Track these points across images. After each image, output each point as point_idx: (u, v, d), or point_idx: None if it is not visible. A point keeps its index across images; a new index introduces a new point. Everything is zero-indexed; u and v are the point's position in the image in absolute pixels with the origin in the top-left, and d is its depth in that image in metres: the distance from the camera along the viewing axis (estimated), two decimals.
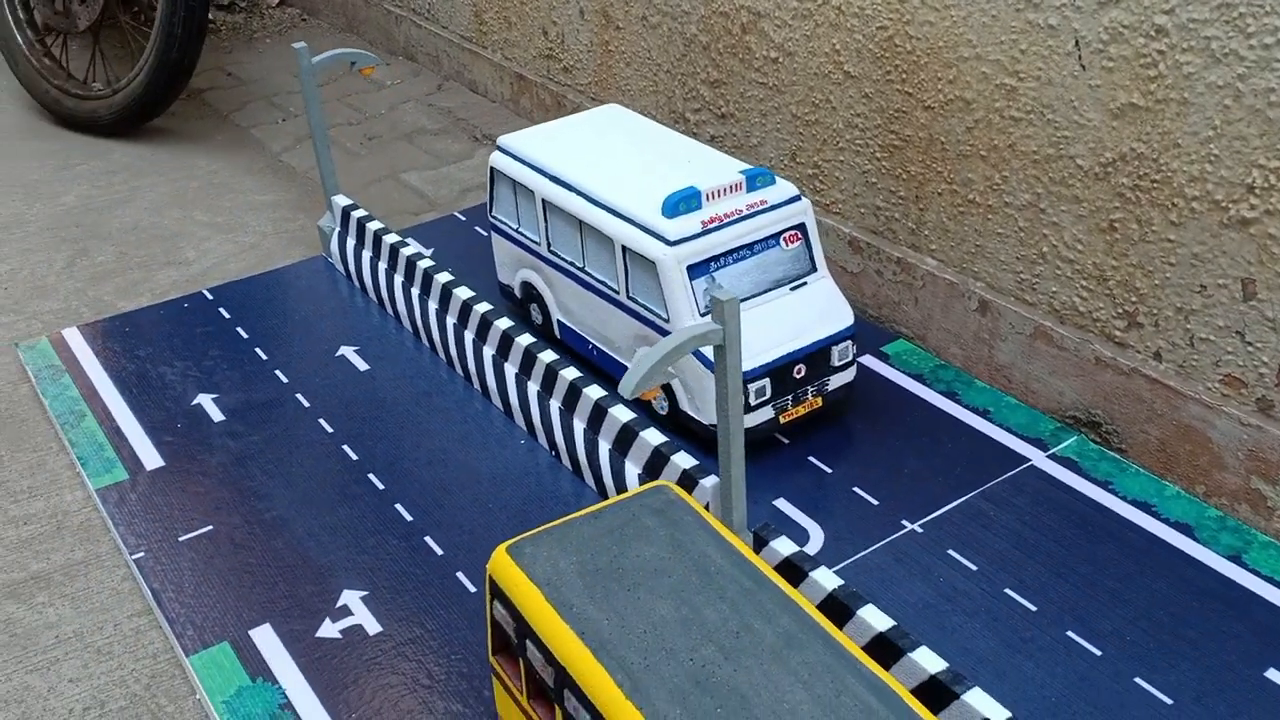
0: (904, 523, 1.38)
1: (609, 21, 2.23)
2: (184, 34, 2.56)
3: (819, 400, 1.51)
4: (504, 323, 1.59)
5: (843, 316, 1.51)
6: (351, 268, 1.95)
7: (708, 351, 1.42)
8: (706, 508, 1.28)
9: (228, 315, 1.89)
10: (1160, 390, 1.42)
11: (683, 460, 1.31)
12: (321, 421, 1.61)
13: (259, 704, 1.16)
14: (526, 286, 1.75)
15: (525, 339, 1.55)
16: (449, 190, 2.40)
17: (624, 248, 1.49)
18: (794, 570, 1.15)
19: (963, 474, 1.45)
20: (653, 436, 1.35)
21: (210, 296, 1.96)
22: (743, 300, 1.47)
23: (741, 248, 1.48)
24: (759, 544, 1.20)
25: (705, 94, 2.03)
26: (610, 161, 1.61)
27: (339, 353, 1.77)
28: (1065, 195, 1.45)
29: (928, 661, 1.02)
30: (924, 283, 1.70)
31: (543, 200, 1.62)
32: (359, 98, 2.92)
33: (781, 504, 1.42)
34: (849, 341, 1.51)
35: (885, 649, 1.05)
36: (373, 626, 1.25)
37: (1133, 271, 1.41)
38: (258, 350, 1.78)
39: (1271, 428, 1.31)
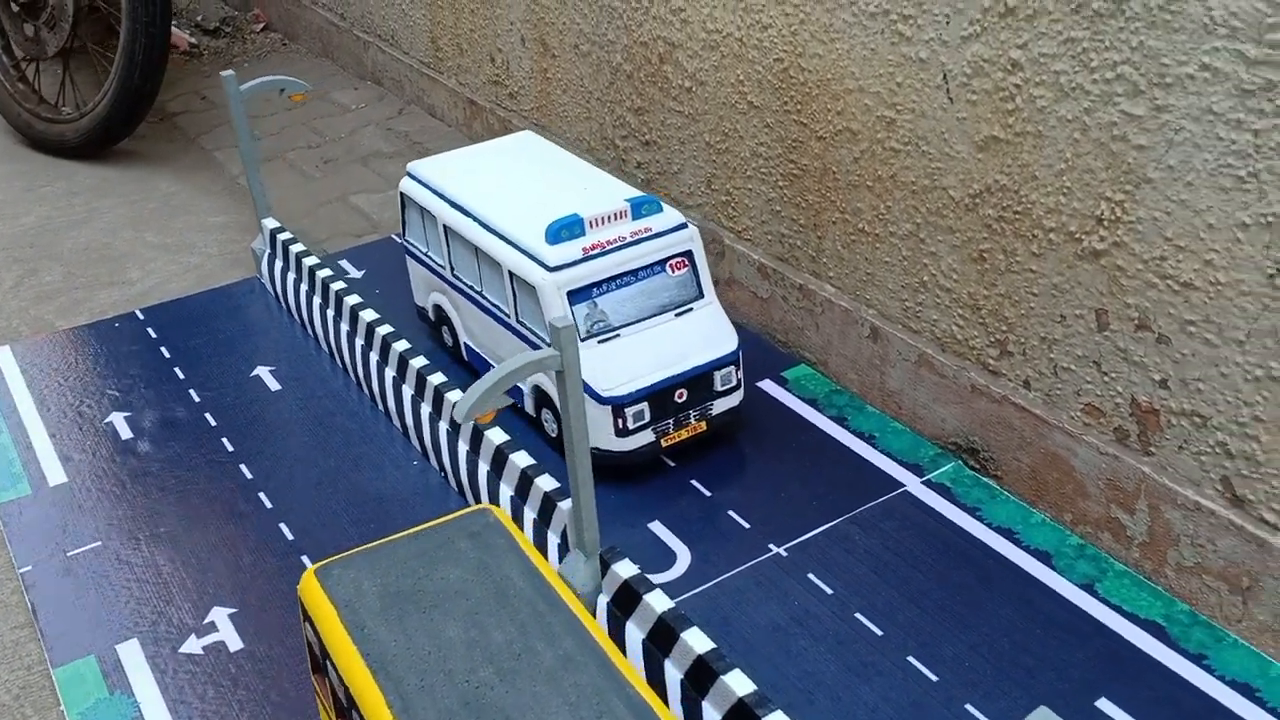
0: (770, 546, 1.40)
1: (546, 49, 2.28)
2: (145, 60, 2.63)
3: (703, 424, 1.54)
4: (401, 345, 1.62)
5: (726, 342, 1.54)
6: (278, 289, 2.00)
7: (587, 375, 1.46)
8: (555, 531, 1.31)
9: (154, 335, 1.94)
10: (1029, 418, 1.43)
11: (546, 483, 1.34)
12: (224, 440, 1.65)
13: (112, 717, 1.20)
14: (437, 309, 1.79)
15: (419, 361, 1.58)
16: (393, 213, 2.45)
17: (510, 273, 1.52)
18: (630, 593, 1.18)
19: (837, 498, 1.48)
20: (521, 459, 1.38)
21: (141, 316, 2.01)
22: (625, 326, 1.51)
23: (625, 274, 1.51)
24: (604, 567, 1.22)
25: (631, 121, 2.06)
26: (508, 188, 1.65)
27: (254, 373, 1.81)
28: (941, 225, 1.48)
29: (738, 684, 1.04)
30: (823, 309, 1.72)
31: (444, 225, 1.66)
32: (323, 121, 2.98)
33: (655, 527, 1.45)
34: (732, 366, 1.54)
35: (704, 672, 1.08)
36: (235, 643, 1.28)
37: (1001, 301, 1.43)
38: (176, 370, 1.83)
39: (1127, 457, 1.32)
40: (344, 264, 2.16)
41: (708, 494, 1.50)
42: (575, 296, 1.47)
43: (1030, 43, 1.28)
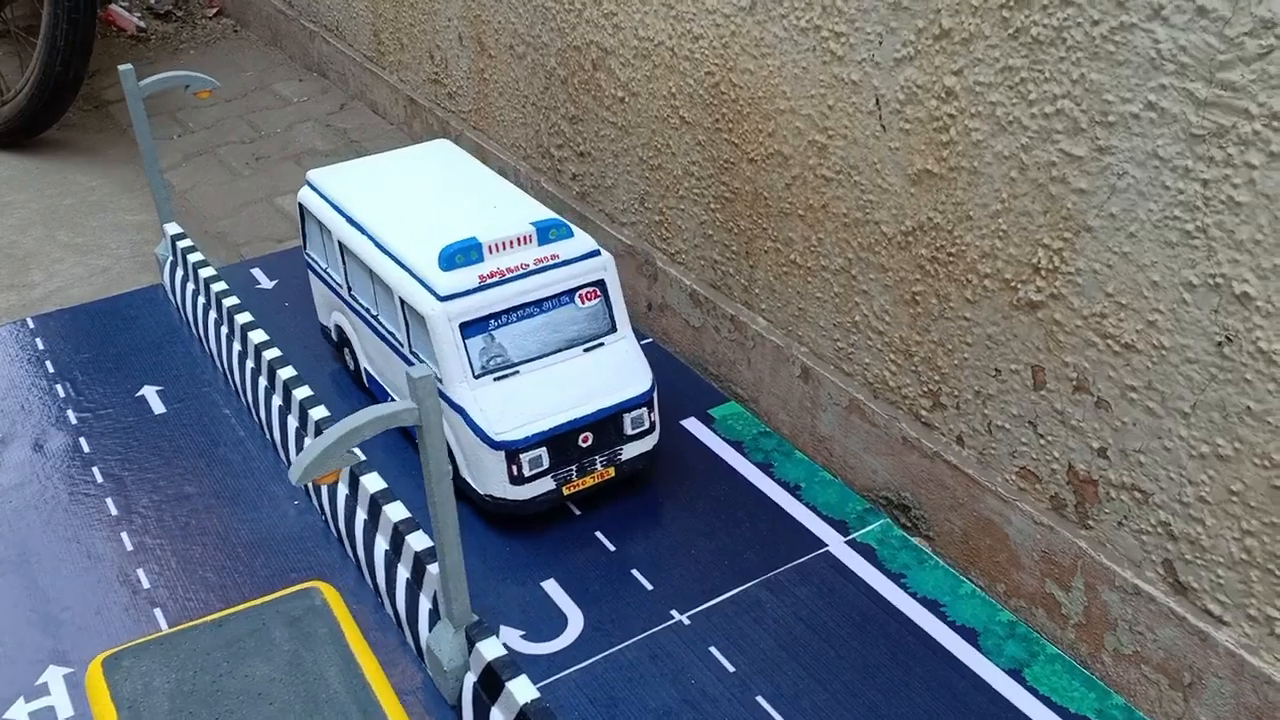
0: (673, 613, 1.27)
1: (483, 49, 2.14)
2: (67, 47, 2.49)
3: (611, 471, 1.41)
4: (287, 372, 1.49)
5: (638, 381, 1.41)
6: (178, 300, 1.87)
7: (478, 417, 1.33)
8: (428, 595, 1.18)
9: (42, 346, 1.81)
10: (961, 478, 1.31)
11: (418, 541, 1.21)
12: (95, 470, 1.52)
13: None
14: (339, 330, 1.65)
15: (303, 392, 1.45)
16: None
17: (401, 300, 1.39)
18: (493, 679, 1.05)
19: (752, 558, 1.35)
20: (395, 511, 1.25)
21: (32, 325, 1.87)
22: (526, 362, 1.38)
23: (527, 305, 1.38)
24: (469, 644, 1.09)
25: (566, 130, 1.93)
26: (409, 204, 1.51)
27: (140, 393, 1.68)
28: (873, 263, 1.35)
29: None
30: (755, 343, 1.59)
31: (339, 242, 1.53)
32: (262, 115, 2.84)
33: (550, 586, 1.32)
34: (644, 408, 1.41)
35: None
36: (65, 710, 1.15)
37: (934, 349, 1.30)
38: (57, 388, 1.70)
39: (1063, 529, 1.20)
40: (256, 272, 2.03)
41: (612, 548, 1.38)
42: (469, 329, 1.34)
43: (966, 69, 1.15)
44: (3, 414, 1.63)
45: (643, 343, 1.76)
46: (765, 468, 1.50)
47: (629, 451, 1.42)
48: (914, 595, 1.28)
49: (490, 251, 1.37)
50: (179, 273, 1.87)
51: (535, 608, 1.29)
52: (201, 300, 1.77)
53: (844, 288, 1.41)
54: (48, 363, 1.76)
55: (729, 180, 1.55)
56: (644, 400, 1.40)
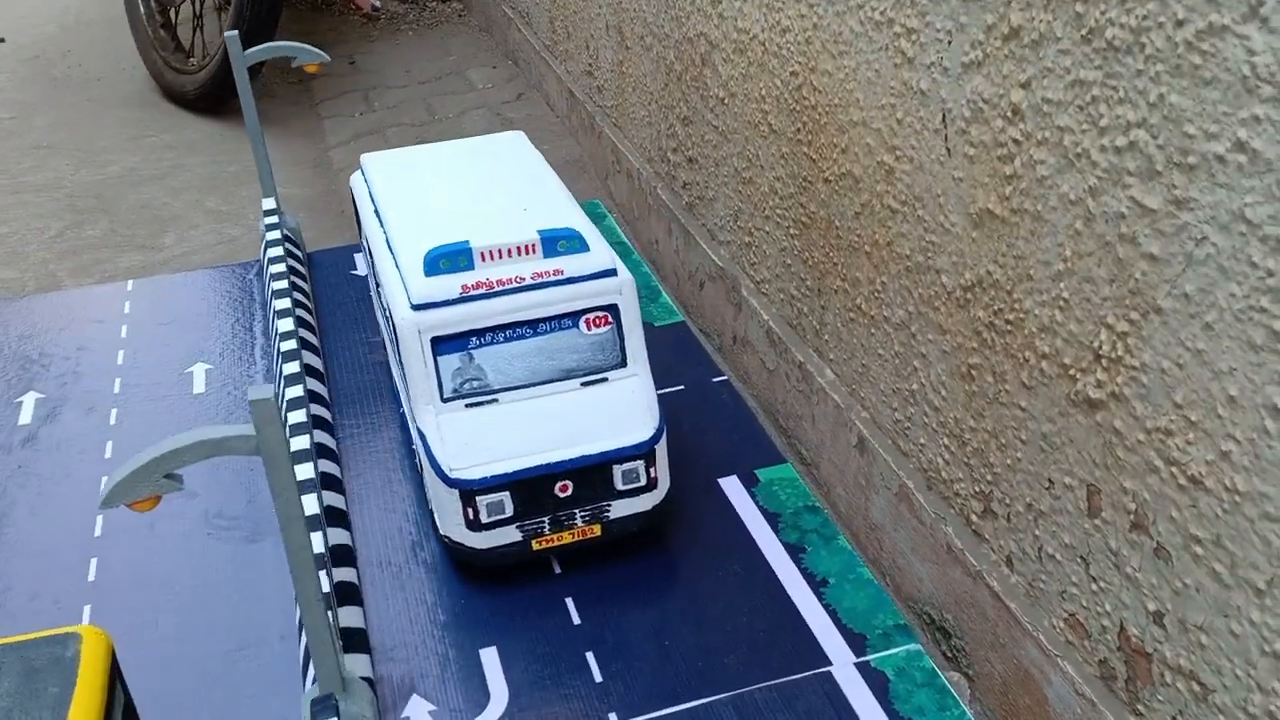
0: (610, 717, 1.05)
1: (623, 40, 1.97)
2: (252, 17, 2.52)
3: (596, 529, 1.20)
4: (289, 367, 1.37)
5: (638, 428, 1.19)
6: (265, 278, 1.80)
7: (436, 447, 1.15)
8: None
9: (128, 310, 1.79)
10: (1003, 612, 1.01)
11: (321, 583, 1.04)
12: (108, 446, 1.46)
13: None
14: (378, 322, 1.53)
15: (294, 391, 1.33)
16: None
17: (388, 304, 1.24)
18: None
19: (733, 664, 1.10)
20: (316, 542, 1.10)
21: (129, 288, 1.86)
22: (507, 390, 1.19)
23: (518, 324, 1.19)
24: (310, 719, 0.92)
25: (680, 132, 1.73)
26: (435, 199, 1.36)
27: (189, 369, 1.62)
28: (932, 320, 1.07)
29: None
30: (819, 398, 1.33)
31: (365, 235, 1.39)
32: (444, 99, 2.79)
33: (488, 655, 1.13)
34: (640, 461, 1.18)
35: None
36: None
37: (988, 440, 1.01)
38: (120, 353, 1.66)
39: (1108, 708, 0.89)
40: (358, 258, 1.94)
41: (576, 621, 1.17)
42: (443, 345, 1.17)
43: (1034, 81, 0.86)
44: (60, 375, 1.62)
45: (716, 380, 1.54)
46: (795, 551, 1.24)
47: (619, 509, 1.20)
48: None
49: (482, 259, 1.19)
50: (267, 252, 1.80)
51: (460, 679, 1.10)
52: (270, 284, 1.69)
53: (904, 346, 1.13)
54: (124, 328, 1.74)
55: (806, 202, 1.30)
56: (640, 451, 1.18)
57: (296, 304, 1.55)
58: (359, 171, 1.50)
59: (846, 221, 1.20)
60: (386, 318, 1.36)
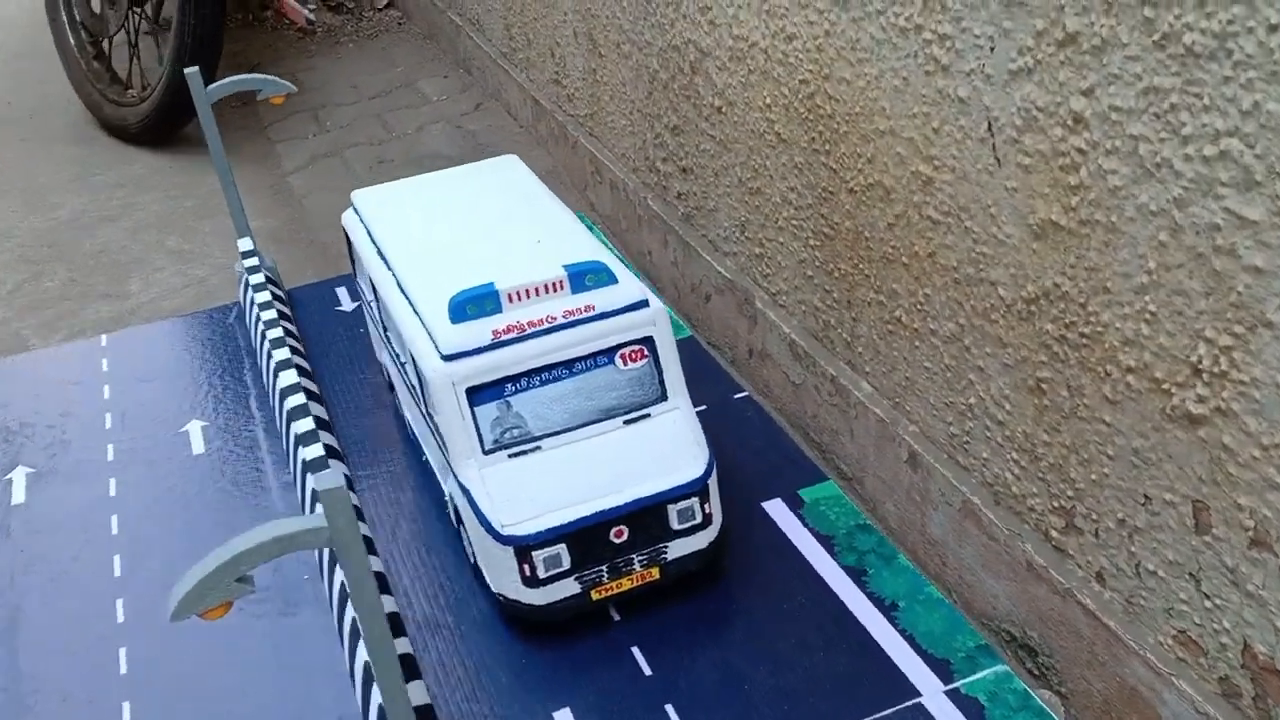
0: None
1: (595, 47, 1.91)
2: (194, 42, 2.42)
3: (655, 572, 1.15)
4: (302, 424, 1.31)
5: (689, 464, 1.14)
6: (249, 322, 1.73)
7: (484, 504, 1.10)
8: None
9: (106, 369, 1.70)
10: (1100, 630, 0.98)
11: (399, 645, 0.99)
12: (113, 520, 1.38)
13: None
14: (385, 370, 1.47)
15: (312, 451, 1.26)
16: None
17: (411, 354, 1.18)
18: None
19: (820, 705, 1.06)
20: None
21: (104, 344, 1.78)
22: (549, 435, 1.14)
23: (553, 366, 1.13)
24: None
25: (669, 142, 1.68)
26: (441, 236, 1.30)
27: (184, 428, 1.54)
28: (989, 334, 1.04)
29: None
30: (857, 412, 1.30)
31: (369, 276, 1.33)
32: (398, 114, 2.71)
33: (563, 717, 1.08)
34: (695, 498, 1.14)
35: None
36: None
37: (1066, 454, 0.98)
38: (107, 416, 1.58)
39: None
40: (340, 292, 1.87)
41: (648, 672, 1.12)
42: (479, 395, 1.11)
43: (1098, 88, 0.83)
44: (48, 446, 1.53)
45: (738, 396, 1.50)
46: (857, 575, 1.21)
47: (677, 549, 1.16)
48: None
49: (510, 300, 1.13)
50: (247, 295, 1.73)
51: None
52: (262, 327, 1.62)
53: (956, 360, 1.10)
54: (106, 388, 1.66)
55: (828, 213, 1.26)
56: (695, 488, 1.14)
57: (294, 351, 1.49)
58: (351, 210, 1.44)
59: (879, 233, 1.17)
60: (400, 365, 1.30)
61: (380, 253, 1.30)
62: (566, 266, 1.16)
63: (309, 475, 1.29)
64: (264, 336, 1.52)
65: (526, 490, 1.11)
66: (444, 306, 1.14)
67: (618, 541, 1.12)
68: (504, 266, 1.18)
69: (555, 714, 1.09)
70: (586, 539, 1.11)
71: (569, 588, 1.12)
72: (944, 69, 0.99)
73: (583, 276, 1.15)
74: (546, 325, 1.13)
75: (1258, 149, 0.71)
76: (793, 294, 1.40)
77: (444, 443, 1.13)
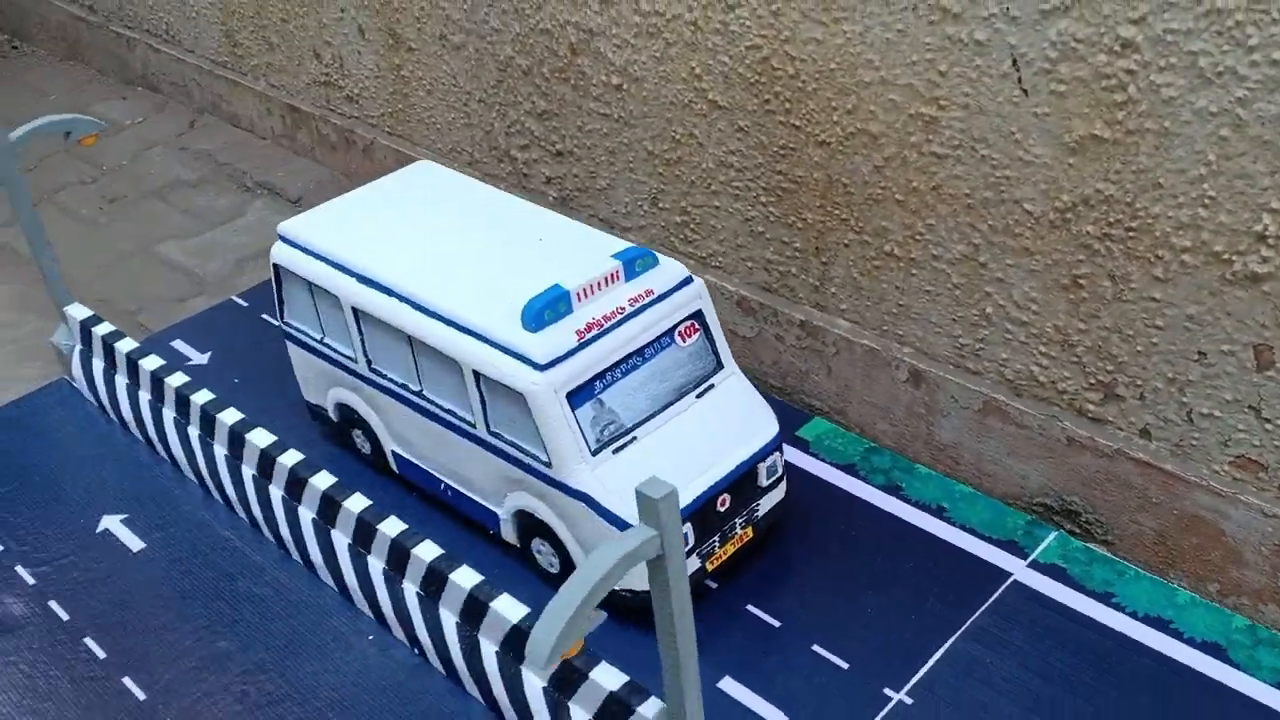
0: (887, 692, 1.09)
1: (398, 42, 1.84)
2: None
3: (750, 532, 1.20)
4: (323, 480, 1.20)
5: (766, 423, 1.20)
6: (104, 397, 1.51)
7: (608, 501, 1.09)
8: None
9: None
10: (1154, 475, 1.17)
11: (607, 678, 0.97)
12: (89, 643, 1.19)
13: None
14: (343, 409, 1.36)
15: (356, 503, 1.17)
16: (220, 263, 1.96)
17: (476, 373, 1.13)
18: None
19: (935, 605, 1.17)
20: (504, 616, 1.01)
21: None
22: (641, 424, 1.14)
23: (630, 356, 1.14)
24: None
25: (533, 128, 1.67)
26: (436, 249, 1.24)
27: (101, 527, 1.35)
28: (1012, 247, 1.18)
29: None
30: (837, 348, 1.40)
31: (353, 308, 1.24)
32: (97, 146, 2.41)
33: (729, 686, 1.11)
34: (777, 453, 1.20)
35: None
36: None
37: (1107, 336, 1.15)
38: None
39: None
40: (179, 345, 1.68)
41: (775, 624, 1.17)
42: (576, 397, 1.10)
43: (1151, 15, 0.98)
44: None
45: None
46: (893, 490, 1.32)
47: (765, 505, 1.21)
48: (1135, 616, 1.14)
49: (579, 299, 1.12)
50: (98, 364, 1.51)
51: (725, 717, 1.07)
52: (146, 397, 1.43)
53: (966, 278, 1.24)
54: None
55: (788, 169, 1.35)
56: (776, 444, 1.20)
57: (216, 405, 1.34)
58: (281, 243, 1.31)
59: (862, 177, 1.27)
60: (412, 393, 1.23)
61: (368, 280, 1.22)
62: (616, 255, 1.16)
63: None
64: (184, 398, 1.36)
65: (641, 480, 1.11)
66: (509, 317, 1.11)
67: (722, 510, 1.16)
68: (546, 267, 1.16)
69: (719, 684, 1.11)
70: (703, 514, 1.14)
71: (692, 565, 1.14)
72: (955, 16, 1.11)
73: (633, 263, 1.17)
74: (618, 317, 1.14)
75: None
76: (734, 254, 1.47)
77: (536, 454, 1.10)
